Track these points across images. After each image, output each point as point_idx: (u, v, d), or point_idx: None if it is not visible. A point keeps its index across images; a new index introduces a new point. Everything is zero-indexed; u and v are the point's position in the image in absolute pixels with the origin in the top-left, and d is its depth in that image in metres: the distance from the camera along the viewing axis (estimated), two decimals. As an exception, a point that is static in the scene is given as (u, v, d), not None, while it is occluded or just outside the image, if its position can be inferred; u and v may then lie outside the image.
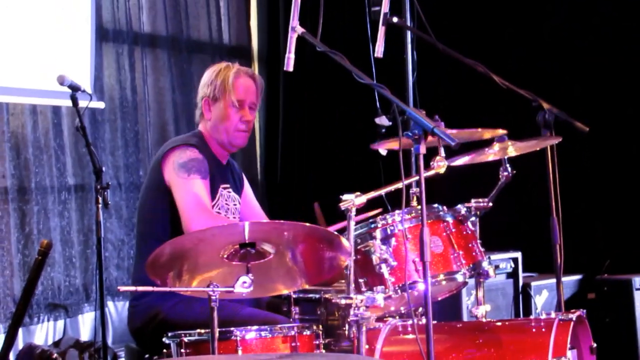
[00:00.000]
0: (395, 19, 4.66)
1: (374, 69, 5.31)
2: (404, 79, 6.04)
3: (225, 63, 4.72)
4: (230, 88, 4.59)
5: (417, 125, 3.63)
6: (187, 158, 4.42)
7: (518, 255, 6.31)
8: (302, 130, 7.84)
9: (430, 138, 3.62)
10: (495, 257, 5.99)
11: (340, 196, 3.85)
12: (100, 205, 4.59)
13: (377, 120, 4.52)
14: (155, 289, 3.64)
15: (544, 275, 6.48)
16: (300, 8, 4.04)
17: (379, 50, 4.65)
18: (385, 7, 4.68)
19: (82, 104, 4.76)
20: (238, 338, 3.74)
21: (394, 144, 4.17)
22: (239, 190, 4.76)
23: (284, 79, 7.75)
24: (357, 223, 3.95)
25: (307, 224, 3.57)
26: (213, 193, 4.49)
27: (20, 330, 6.14)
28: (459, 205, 4.26)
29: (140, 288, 3.62)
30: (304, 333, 3.86)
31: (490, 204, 4.34)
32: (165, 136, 7.16)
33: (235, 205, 4.65)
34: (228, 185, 4.64)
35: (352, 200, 3.80)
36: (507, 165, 4.46)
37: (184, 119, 7.31)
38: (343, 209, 3.82)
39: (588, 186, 6.81)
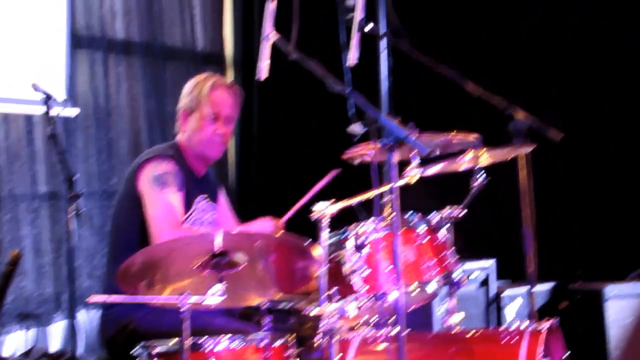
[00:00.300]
0: (369, 27, 4.64)
1: (347, 75, 5.29)
2: (379, 85, 6.02)
3: (205, 74, 4.73)
4: (206, 100, 4.60)
5: (390, 133, 3.63)
6: (163, 170, 4.43)
7: (492, 263, 6.31)
8: (276, 138, 7.81)
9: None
10: (469, 265, 5.98)
11: (312, 206, 3.83)
12: (72, 214, 4.56)
13: (351, 129, 4.49)
14: (126, 298, 3.61)
15: (518, 282, 6.48)
16: (276, 14, 4.03)
17: (353, 57, 4.63)
18: (360, 14, 4.66)
19: (56, 111, 4.73)
20: (209, 348, 3.72)
21: (366, 151, 4.16)
22: (215, 201, 4.76)
23: (258, 86, 7.72)
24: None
25: (279, 234, 3.57)
26: (188, 206, 4.49)
27: (-10, 341, 6.11)
28: (433, 214, 4.25)
29: (110, 299, 3.59)
30: (276, 343, 3.84)
31: (464, 212, 4.33)
32: (139, 144, 7.13)
33: (211, 216, 4.65)
34: (204, 197, 4.64)
35: (322, 210, 3.79)
36: (481, 172, 4.46)
37: (157, 127, 7.28)
38: (314, 219, 3.81)
39: (563, 192, 6.82)
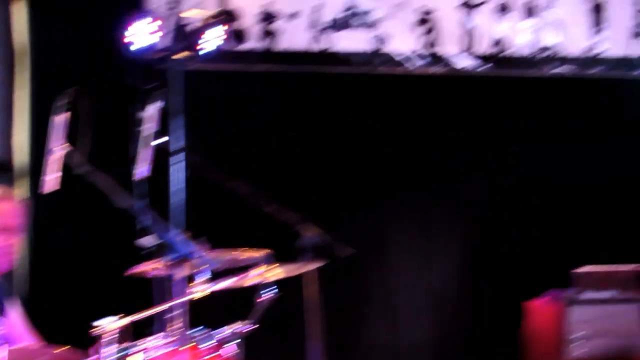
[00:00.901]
0: (160, 141, 4.66)
1: (138, 189, 5.28)
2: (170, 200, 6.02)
3: None
4: (-11, 213, 4.50)
5: (177, 248, 3.65)
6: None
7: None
8: (67, 250, 7.66)
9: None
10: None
11: (94, 322, 3.76)
12: None
13: (139, 242, 4.46)
14: None
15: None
16: (67, 126, 4.01)
17: (142, 170, 4.63)
18: (152, 127, 4.68)
19: None
20: None
21: (154, 265, 4.14)
22: (4, 314, 4.62)
23: (47, 198, 7.56)
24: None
25: (60, 350, 3.51)
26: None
27: None
28: (222, 328, 4.24)
29: None
30: None
31: (254, 327, 4.33)
32: None
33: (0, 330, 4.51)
34: (-8, 312, 4.50)
35: (103, 327, 3.72)
36: (272, 287, 4.49)
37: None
38: (94, 335, 3.74)
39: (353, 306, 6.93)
